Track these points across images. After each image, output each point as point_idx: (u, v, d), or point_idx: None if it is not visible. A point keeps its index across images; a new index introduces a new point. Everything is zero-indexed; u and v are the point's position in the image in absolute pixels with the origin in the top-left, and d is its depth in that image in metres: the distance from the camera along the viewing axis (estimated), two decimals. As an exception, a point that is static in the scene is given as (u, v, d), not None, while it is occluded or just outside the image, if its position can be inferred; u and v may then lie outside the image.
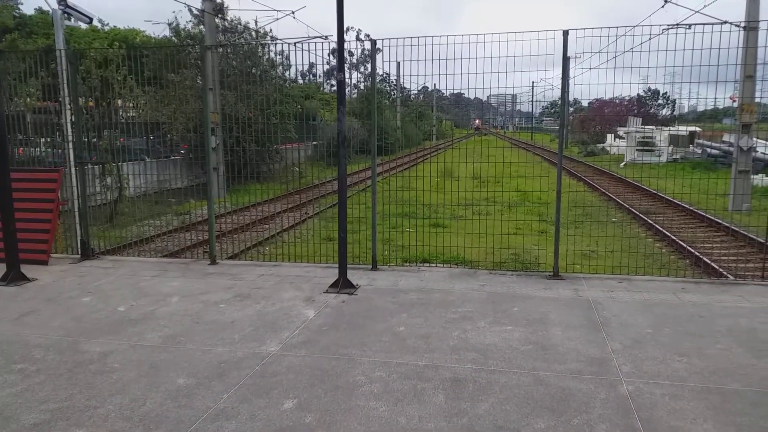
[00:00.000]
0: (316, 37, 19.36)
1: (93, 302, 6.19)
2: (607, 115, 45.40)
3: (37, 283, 7.03)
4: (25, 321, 5.63)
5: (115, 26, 33.70)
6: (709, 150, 27.76)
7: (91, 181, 9.52)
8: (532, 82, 18.83)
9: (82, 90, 9.24)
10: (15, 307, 6.07)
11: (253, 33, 25.02)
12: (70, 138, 8.36)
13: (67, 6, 9.02)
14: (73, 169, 8.40)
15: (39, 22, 29.56)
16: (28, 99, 10.28)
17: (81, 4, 9.53)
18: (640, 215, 14.49)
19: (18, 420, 3.71)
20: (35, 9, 31.75)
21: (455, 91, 8.19)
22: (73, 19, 9.76)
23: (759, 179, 19.04)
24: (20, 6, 31.48)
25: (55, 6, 8.93)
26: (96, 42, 27.03)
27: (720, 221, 12.76)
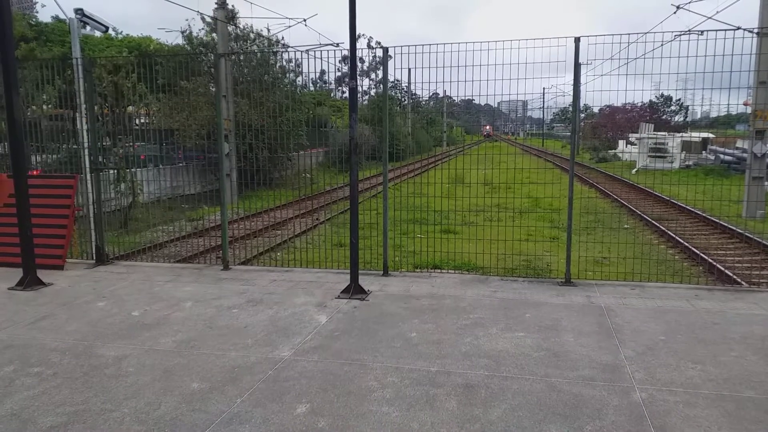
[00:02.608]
0: (327, 45, 19.52)
1: (108, 307, 6.26)
2: (619, 121, 45.19)
3: (52, 287, 7.12)
4: (42, 325, 5.70)
5: (128, 34, 34.13)
6: (722, 156, 27.55)
7: (106, 187, 9.62)
8: (543, 89, 18.82)
9: (96, 98, 9.36)
10: (31, 311, 6.16)
11: (265, 41, 25.23)
12: (85, 144, 8.47)
13: (84, 15, 9.16)
14: (88, 176, 8.51)
15: (55, 29, 30.01)
16: (45, 106, 10.44)
17: (96, 12, 9.69)
18: (653, 222, 14.40)
19: (35, 423, 3.76)
20: (52, 17, 32.21)
21: (466, 98, 8.22)
22: (89, 28, 9.90)
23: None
24: (37, 14, 31.97)
25: (72, 15, 9.08)
26: (110, 50, 27.38)
27: (734, 228, 12.66)
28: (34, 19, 30.33)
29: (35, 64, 10.02)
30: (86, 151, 8.54)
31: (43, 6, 41.09)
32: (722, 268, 9.46)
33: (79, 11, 9.08)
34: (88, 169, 8.54)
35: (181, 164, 16.36)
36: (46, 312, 6.11)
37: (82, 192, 8.81)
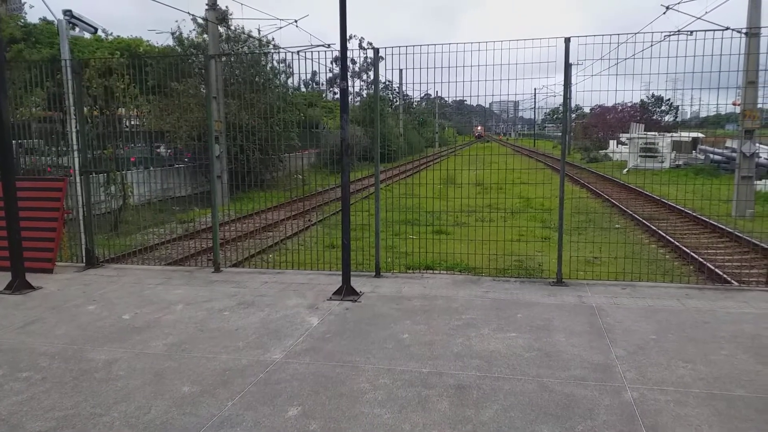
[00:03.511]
0: (318, 46, 19.50)
1: (98, 310, 6.22)
2: (610, 121, 45.42)
3: (42, 291, 7.06)
4: (31, 329, 5.65)
5: (118, 36, 33.90)
6: (712, 156, 27.74)
7: (96, 189, 9.56)
8: (535, 89, 18.81)
9: (86, 99, 9.30)
10: (20, 315, 6.10)
11: (256, 42, 25.16)
12: (75, 147, 8.41)
13: (73, 16, 9.08)
14: (78, 178, 8.44)
15: (44, 30, 29.77)
16: (34, 109, 10.36)
17: (85, 14, 9.61)
18: (644, 221, 14.47)
19: (24, 428, 3.72)
20: (40, 18, 31.96)
21: (458, 99, 8.23)
22: (78, 29, 9.83)
23: (762, 185, 19.01)
24: (25, 15, 31.70)
25: (61, 16, 9.01)
26: (99, 51, 27.20)
27: (723, 227, 12.74)
28: (22, 20, 30.07)
29: (24, 66, 9.94)
30: (75, 154, 8.47)
31: (31, 7, 40.76)
32: (712, 267, 9.52)
33: (67, 12, 9.00)
34: (77, 172, 8.47)
35: (185, 165, 16.27)
36: (35, 316, 6.06)
37: (72, 194, 8.74)
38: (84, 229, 8.49)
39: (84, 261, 8.44)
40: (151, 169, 13.16)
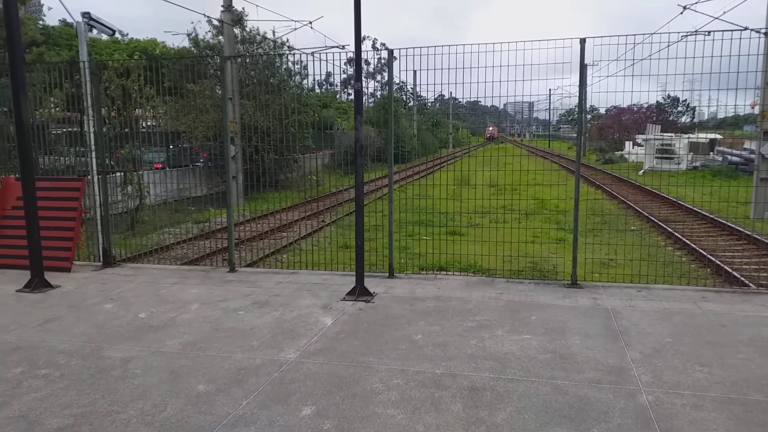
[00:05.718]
0: (333, 47, 19.58)
1: (115, 309, 6.29)
2: (625, 122, 45.04)
3: (60, 290, 7.16)
4: (49, 327, 5.74)
5: (134, 38, 34.30)
6: (729, 157, 27.40)
7: (113, 189, 9.68)
8: (549, 90, 18.67)
9: (104, 100, 9.41)
10: (39, 313, 6.19)
11: (271, 43, 25.30)
12: (93, 147, 8.52)
13: (91, 18, 9.21)
14: (95, 178, 8.55)
15: (62, 33, 30.20)
16: (53, 109, 10.51)
17: (102, 16, 9.73)
18: (660, 223, 14.33)
19: (42, 424, 3.78)
20: (59, 21, 32.43)
21: (472, 99, 8.21)
22: (95, 31, 9.96)
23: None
24: (44, 17, 32.17)
25: (80, 19, 9.13)
26: (116, 53, 27.51)
27: (741, 229, 12.58)
28: (41, 22, 30.51)
29: (43, 68, 10.08)
30: (93, 154, 8.58)
31: (49, 9, 41.35)
32: (730, 270, 9.40)
33: (86, 15, 9.13)
34: (95, 172, 8.58)
35: (200, 165, 16.41)
36: (53, 314, 6.15)
37: (89, 194, 8.85)
38: (101, 229, 8.60)
39: (101, 260, 8.55)
40: (167, 169, 13.26)
